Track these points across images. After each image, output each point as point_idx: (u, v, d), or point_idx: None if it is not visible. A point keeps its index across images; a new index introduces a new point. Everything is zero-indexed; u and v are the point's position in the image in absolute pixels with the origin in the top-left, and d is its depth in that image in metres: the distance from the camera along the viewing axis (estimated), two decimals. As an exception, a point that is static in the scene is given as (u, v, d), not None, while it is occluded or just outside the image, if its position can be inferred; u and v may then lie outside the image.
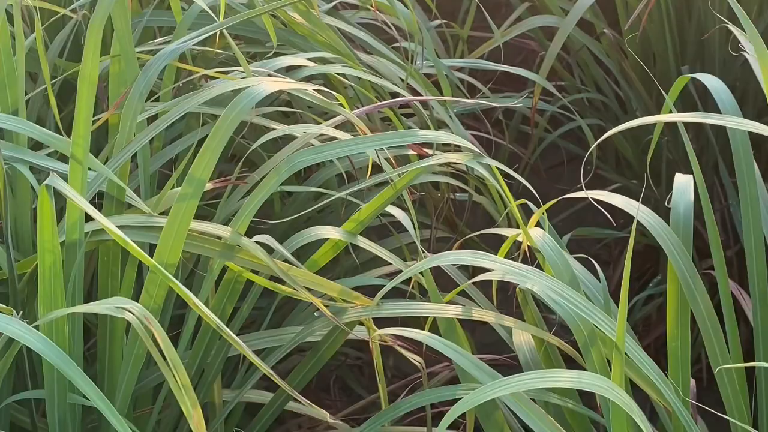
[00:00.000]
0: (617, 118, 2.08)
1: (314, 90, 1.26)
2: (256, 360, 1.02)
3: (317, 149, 1.17)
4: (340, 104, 1.29)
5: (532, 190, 1.28)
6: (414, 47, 1.70)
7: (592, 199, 1.18)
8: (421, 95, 1.62)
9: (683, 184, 1.24)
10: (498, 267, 1.12)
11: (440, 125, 1.69)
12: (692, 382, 1.28)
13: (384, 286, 1.28)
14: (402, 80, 1.64)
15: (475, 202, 1.79)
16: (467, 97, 1.83)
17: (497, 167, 1.24)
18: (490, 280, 1.32)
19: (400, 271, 1.22)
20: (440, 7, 2.04)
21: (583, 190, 1.22)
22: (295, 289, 1.18)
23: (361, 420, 1.32)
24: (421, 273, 1.26)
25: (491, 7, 2.13)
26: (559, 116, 2.16)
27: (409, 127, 1.61)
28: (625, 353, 1.06)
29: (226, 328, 1.00)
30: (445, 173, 1.62)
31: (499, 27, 2.08)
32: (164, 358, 0.97)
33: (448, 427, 1.43)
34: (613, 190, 2.15)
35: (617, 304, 1.10)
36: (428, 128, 1.59)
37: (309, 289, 1.21)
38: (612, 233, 1.99)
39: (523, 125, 2.20)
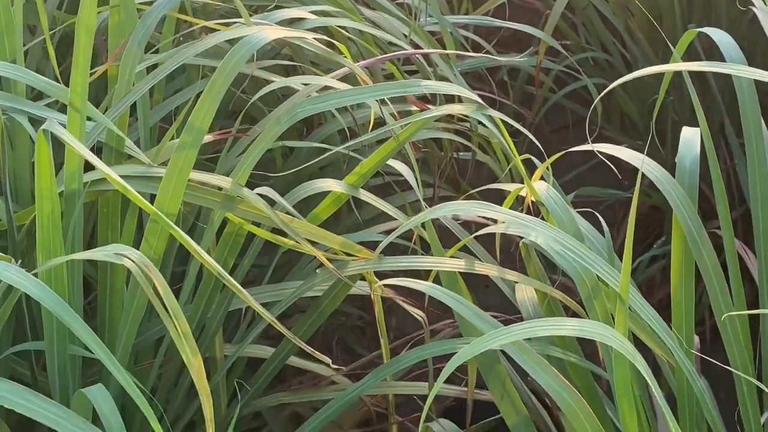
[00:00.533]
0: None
1: (315, 39, 1.24)
2: (259, 308, 1.01)
3: (318, 99, 1.16)
4: (343, 56, 1.27)
5: (537, 143, 1.26)
6: (418, 3, 1.68)
7: (598, 152, 1.16)
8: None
9: (690, 138, 1.22)
10: (502, 217, 1.11)
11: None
12: (696, 338, 1.27)
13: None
14: (405, 36, 1.62)
15: (478, 161, 1.78)
16: (471, 56, 1.81)
17: (501, 120, 1.23)
18: (493, 238, 1.31)
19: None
20: (445, -35, 2.01)
21: (589, 147, 1.21)
22: (297, 241, 1.17)
23: (363, 377, 1.31)
24: (424, 227, 1.25)
25: (496, -34, 2.10)
26: (564, 78, 2.14)
27: (413, 84, 1.59)
28: (629, 306, 1.05)
29: (228, 276, 0.99)
30: (448, 130, 1.60)
31: (504, -15, 2.05)
32: (164, 307, 0.96)
33: (452, 383, 1.43)
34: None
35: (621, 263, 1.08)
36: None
37: (311, 244, 1.20)
38: (616, 193, 1.98)
39: (528, 86, 2.17)
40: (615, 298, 1.08)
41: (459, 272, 1.22)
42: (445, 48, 1.67)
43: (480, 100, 1.20)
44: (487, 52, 1.86)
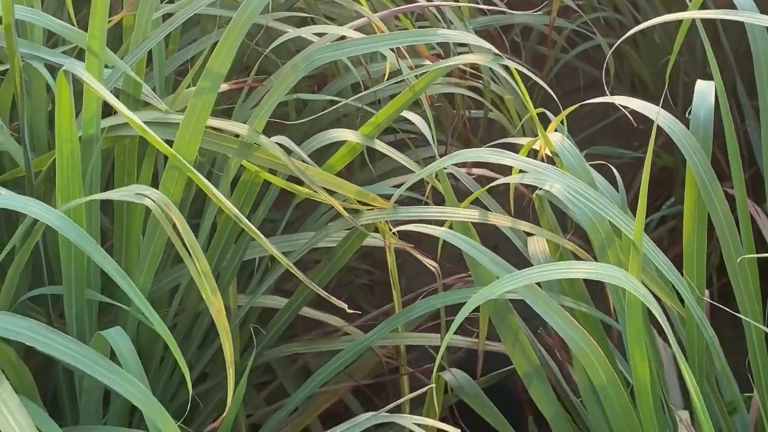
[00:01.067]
0: (634, 39, 2.06)
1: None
2: (276, 253, 1.02)
3: (336, 46, 1.16)
4: (358, 5, 1.27)
5: (552, 93, 1.27)
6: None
7: (620, 105, 1.16)
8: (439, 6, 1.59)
9: (704, 90, 1.22)
10: (518, 164, 1.12)
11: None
12: (705, 291, 1.28)
13: (400, 195, 1.28)
14: (417, -8, 1.61)
15: (490, 119, 1.78)
16: (485, 13, 1.81)
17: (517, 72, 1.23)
18: (505, 196, 1.32)
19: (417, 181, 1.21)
20: None
21: (607, 99, 1.21)
22: (313, 190, 1.17)
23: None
24: (438, 179, 1.26)
25: None
26: (575, 39, 2.13)
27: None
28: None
29: (246, 220, 1.00)
30: (460, 86, 1.60)
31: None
32: (185, 247, 0.97)
33: (462, 335, 1.44)
34: (629, 113, 2.13)
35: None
36: (445, 40, 1.58)
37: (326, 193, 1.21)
38: (626, 153, 1.98)
39: (539, 46, 2.17)
40: (628, 249, 1.09)
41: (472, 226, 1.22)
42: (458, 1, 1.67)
43: (496, 50, 1.20)
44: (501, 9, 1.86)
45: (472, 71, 1.64)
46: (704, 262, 1.19)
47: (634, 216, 1.09)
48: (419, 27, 1.69)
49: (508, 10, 1.89)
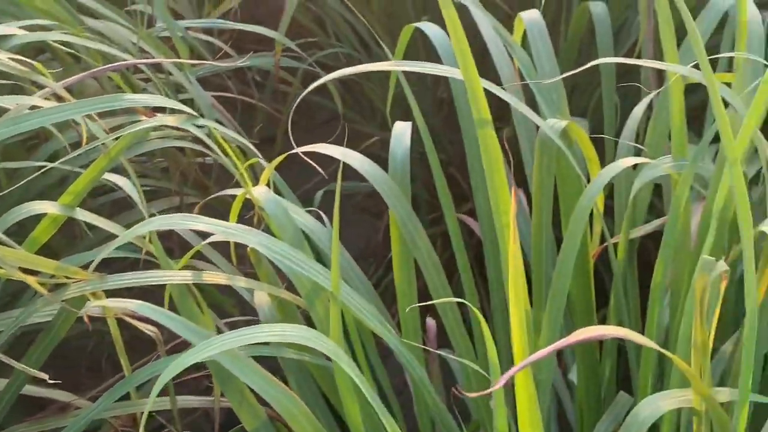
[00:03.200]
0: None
1: (11, 59, 1.19)
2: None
3: (18, 119, 1.11)
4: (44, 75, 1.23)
5: (253, 148, 1.27)
6: (149, 9, 1.65)
7: (302, 153, 1.18)
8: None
9: (400, 132, 1.26)
10: (212, 229, 1.11)
11: (179, 89, 1.65)
12: (431, 321, 1.32)
13: (126, 258, 1.25)
14: (134, 44, 1.58)
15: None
16: (210, 59, 1.79)
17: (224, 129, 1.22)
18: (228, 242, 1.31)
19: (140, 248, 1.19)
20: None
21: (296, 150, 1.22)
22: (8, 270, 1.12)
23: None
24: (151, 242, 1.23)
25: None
26: (317, 73, 2.16)
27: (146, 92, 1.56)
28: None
29: None
30: (185, 138, 1.58)
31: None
32: None
33: (204, 393, 1.42)
34: (372, 144, 2.18)
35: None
36: (163, 93, 1.55)
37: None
38: (365, 186, 2.02)
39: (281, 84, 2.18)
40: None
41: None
42: (177, 53, 1.64)
43: (188, 110, 1.19)
44: (226, 54, 1.85)
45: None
46: (415, 299, 1.22)
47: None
48: (142, 78, 1.66)
49: (235, 56, 1.88)
